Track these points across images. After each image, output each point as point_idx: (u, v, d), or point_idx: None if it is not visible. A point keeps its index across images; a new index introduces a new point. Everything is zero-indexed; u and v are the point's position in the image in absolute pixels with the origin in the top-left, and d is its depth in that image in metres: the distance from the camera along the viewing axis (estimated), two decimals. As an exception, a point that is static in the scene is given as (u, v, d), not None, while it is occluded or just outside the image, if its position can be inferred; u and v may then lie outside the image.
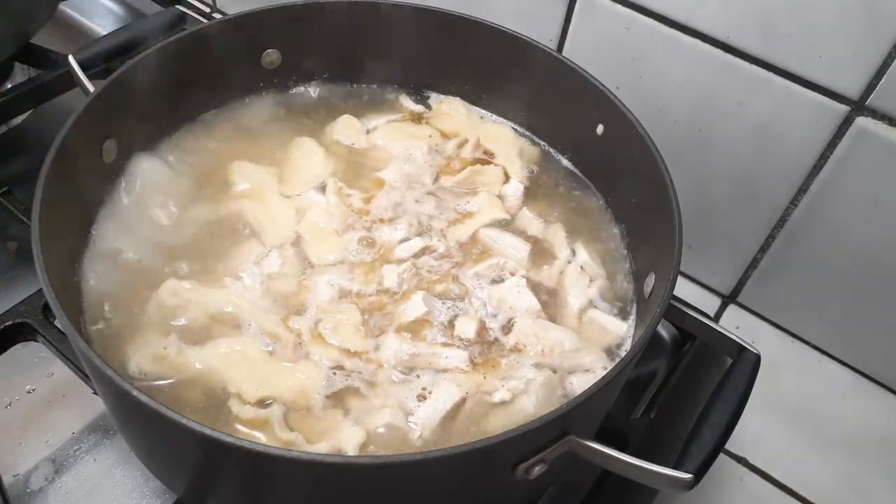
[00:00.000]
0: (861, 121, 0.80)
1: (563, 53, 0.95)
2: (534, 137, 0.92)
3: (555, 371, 0.70)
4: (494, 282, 0.77)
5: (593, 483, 0.74)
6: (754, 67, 0.83)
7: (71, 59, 0.78)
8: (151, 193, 0.80)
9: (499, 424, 0.66)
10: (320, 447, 0.62)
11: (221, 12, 1.33)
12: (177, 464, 0.63)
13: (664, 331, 0.88)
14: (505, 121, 0.93)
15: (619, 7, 0.88)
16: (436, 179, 0.86)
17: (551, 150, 0.91)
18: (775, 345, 0.99)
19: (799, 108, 0.82)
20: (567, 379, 0.70)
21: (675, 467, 0.56)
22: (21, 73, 1.10)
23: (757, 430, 0.92)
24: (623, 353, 0.73)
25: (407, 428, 0.65)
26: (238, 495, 0.62)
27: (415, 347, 0.70)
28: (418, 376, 0.69)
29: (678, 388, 0.82)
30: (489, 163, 0.88)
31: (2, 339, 0.76)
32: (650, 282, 0.73)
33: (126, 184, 0.80)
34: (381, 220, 0.81)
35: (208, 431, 0.50)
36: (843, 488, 0.89)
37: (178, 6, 0.94)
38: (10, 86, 1.05)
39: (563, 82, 0.83)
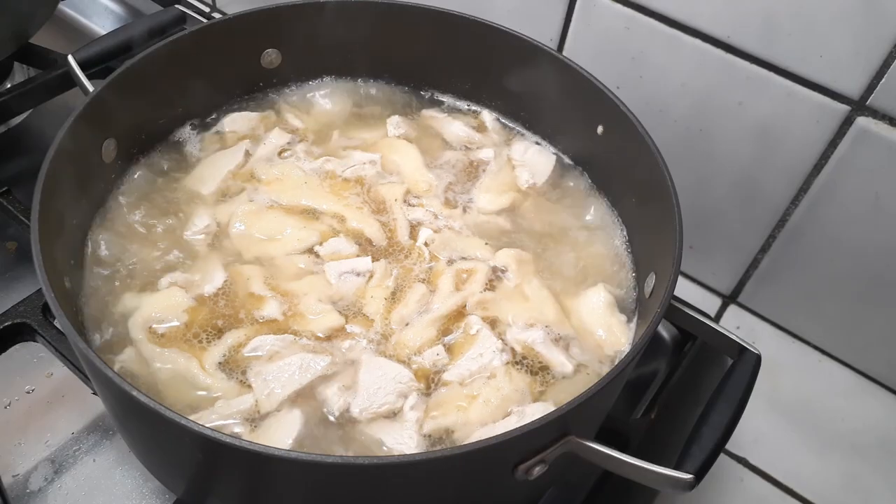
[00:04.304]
0: (862, 121, 0.79)
1: (564, 53, 0.95)
2: (534, 137, 0.92)
3: None
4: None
5: (594, 483, 0.74)
6: (755, 67, 0.83)
7: (70, 58, 0.78)
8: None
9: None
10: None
11: (221, 12, 1.33)
12: (176, 464, 0.63)
13: (664, 331, 0.88)
14: (504, 122, 0.93)
15: (619, 6, 0.88)
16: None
17: (551, 150, 0.91)
18: (775, 345, 0.99)
19: (799, 108, 0.82)
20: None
21: (675, 468, 0.56)
22: (21, 73, 1.10)
23: (757, 430, 0.92)
24: (623, 354, 0.72)
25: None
26: (238, 495, 0.62)
27: None
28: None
29: (678, 388, 0.82)
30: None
31: (1, 339, 0.76)
32: (650, 282, 0.73)
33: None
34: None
35: (208, 432, 0.50)
36: (843, 488, 0.89)
37: (177, 6, 0.93)
38: (9, 86, 1.05)
39: (563, 82, 0.83)
